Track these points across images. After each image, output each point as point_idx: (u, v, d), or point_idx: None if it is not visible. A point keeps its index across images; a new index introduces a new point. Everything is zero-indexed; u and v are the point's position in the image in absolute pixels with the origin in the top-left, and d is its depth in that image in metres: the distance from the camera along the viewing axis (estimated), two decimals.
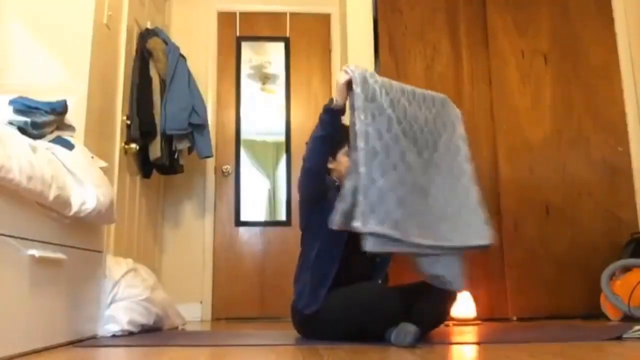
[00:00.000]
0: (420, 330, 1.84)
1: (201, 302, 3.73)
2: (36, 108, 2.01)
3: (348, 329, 1.99)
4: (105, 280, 2.24)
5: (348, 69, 1.91)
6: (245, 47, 4.18)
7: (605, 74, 3.62)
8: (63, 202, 1.78)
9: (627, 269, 3.02)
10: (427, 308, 2.02)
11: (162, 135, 3.24)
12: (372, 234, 1.73)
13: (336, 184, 2.19)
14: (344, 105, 1.97)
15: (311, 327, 2.10)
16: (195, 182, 3.88)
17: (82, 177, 1.92)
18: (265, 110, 4.17)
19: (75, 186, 1.88)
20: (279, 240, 3.89)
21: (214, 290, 3.77)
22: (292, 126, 4.08)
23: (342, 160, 2.15)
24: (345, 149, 2.10)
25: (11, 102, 1.99)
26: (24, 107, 1.99)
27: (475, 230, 1.95)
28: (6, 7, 2.42)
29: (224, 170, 3.95)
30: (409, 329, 1.78)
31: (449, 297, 2.09)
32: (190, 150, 3.58)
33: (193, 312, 3.63)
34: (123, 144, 2.93)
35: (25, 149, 1.62)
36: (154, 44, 3.28)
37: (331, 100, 1.97)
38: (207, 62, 4.01)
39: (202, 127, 3.44)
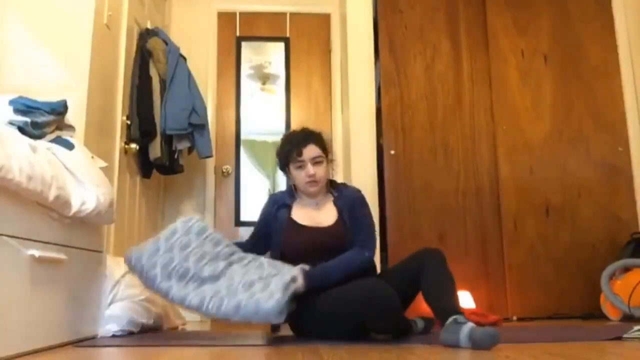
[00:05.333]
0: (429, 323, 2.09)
1: None
2: (36, 108, 2.00)
3: (345, 326, 1.99)
4: (105, 280, 2.24)
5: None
6: (245, 47, 4.18)
7: (605, 74, 3.62)
8: (63, 202, 1.78)
9: (627, 269, 3.02)
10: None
11: (162, 135, 3.24)
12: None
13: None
14: None
15: (304, 327, 2.12)
16: (195, 182, 3.88)
17: (82, 177, 1.92)
18: (265, 110, 4.17)
19: (75, 186, 1.88)
20: None
21: None
22: (292, 126, 4.08)
23: (294, 174, 2.24)
24: (296, 164, 2.20)
25: (11, 102, 1.98)
26: (24, 107, 1.98)
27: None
28: (6, 7, 2.42)
29: (224, 170, 3.95)
30: (489, 332, 1.64)
31: None
32: (190, 150, 3.58)
33: (193, 312, 3.63)
34: (123, 144, 2.93)
35: (25, 149, 1.62)
36: (154, 44, 3.27)
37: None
38: (207, 62, 4.01)
39: (202, 127, 3.44)
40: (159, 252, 1.96)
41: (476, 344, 1.61)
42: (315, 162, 2.20)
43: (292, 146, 2.21)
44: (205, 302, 1.86)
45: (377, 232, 3.26)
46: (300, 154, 2.19)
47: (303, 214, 2.25)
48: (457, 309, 1.80)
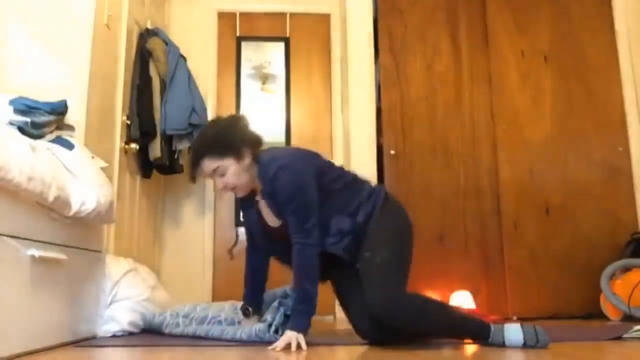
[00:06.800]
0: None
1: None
2: (36, 108, 2.01)
3: None
4: (105, 280, 2.24)
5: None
6: (245, 47, 4.18)
7: (605, 74, 3.62)
8: (63, 202, 1.78)
9: (627, 269, 3.02)
10: None
11: (162, 135, 3.24)
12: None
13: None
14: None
15: None
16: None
17: (82, 177, 1.92)
18: (265, 110, 4.17)
19: (75, 186, 1.88)
20: None
21: (214, 290, 3.77)
22: (292, 126, 4.08)
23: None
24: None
25: (11, 102, 1.99)
26: (24, 107, 1.99)
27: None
28: (6, 8, 2.42)
29: None
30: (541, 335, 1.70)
31: None
32: (190, 150, 3.58)
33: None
34: (123, 144, 2.93)
35: (25, 149, 1.62)
36: (154, 44, 3.27)
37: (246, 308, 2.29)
38: (207, 62, 4.01)
39: (202, 127, 3.44)
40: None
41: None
42: (219, 174, 1.92)
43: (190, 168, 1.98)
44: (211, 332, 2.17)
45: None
46: (194, 180, 2.02)
47: (266, 214, 2.05)
48: (479, 330, 1.79)
